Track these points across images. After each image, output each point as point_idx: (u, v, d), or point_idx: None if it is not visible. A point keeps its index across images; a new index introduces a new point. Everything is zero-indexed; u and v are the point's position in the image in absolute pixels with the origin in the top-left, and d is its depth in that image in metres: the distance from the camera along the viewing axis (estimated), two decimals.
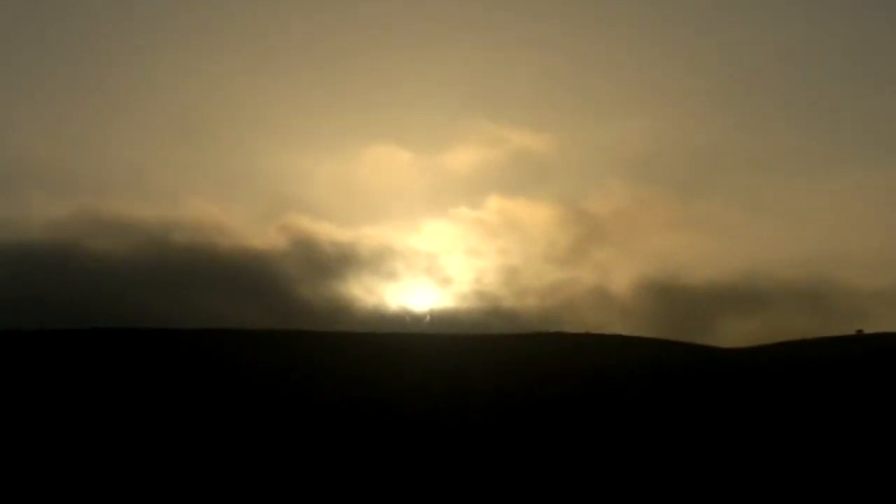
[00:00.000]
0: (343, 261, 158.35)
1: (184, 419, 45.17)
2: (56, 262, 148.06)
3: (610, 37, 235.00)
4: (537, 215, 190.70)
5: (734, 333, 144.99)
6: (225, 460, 38.93)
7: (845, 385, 56.38)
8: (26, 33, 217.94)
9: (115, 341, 66.72)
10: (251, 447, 40.92)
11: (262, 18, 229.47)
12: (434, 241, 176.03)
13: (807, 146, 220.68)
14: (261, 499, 34.98)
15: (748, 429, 45.65)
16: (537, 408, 49.85)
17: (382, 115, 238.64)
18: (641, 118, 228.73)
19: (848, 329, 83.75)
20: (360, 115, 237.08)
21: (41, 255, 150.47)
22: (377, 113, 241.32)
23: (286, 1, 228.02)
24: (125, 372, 55.82)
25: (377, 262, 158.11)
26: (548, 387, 55.76)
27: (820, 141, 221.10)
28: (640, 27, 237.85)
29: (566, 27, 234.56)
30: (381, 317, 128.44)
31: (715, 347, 76.96)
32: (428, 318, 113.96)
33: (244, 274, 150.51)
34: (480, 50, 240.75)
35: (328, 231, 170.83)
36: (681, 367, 64.03)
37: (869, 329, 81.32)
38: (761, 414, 48.93)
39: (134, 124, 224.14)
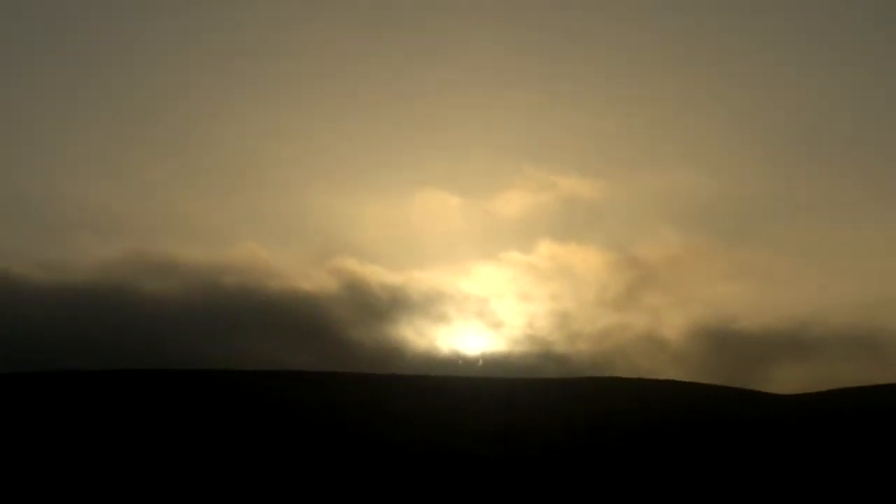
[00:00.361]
0: (393, 304, 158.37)
1: (236, 460, 45.19)
2: (107, 304, 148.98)
3: (660, 84, 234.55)
4: (588, 261, 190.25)
5: (788, 380, 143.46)
6: (279, 501, 38.88)
7: None
8: (76, 78, 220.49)
9: (166, 383, 67.02)
10: (306, 488, 40.85)
11: (313, 63, 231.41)
12: (484, 285, 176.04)
13: (860, 192, 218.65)
14: None
15: (805, 475, 45.16)
16: (592, 451, 49.55)
17: (431, 160, 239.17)
18: (691, 165, 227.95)
19: None
20: (408, 160, 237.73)
21: (93, 296, 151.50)
22: (425, 158, 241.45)
23: (337, 46, 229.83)
24: (177, 413, 55.97)
25: (428, 305, 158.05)
26: (603, 431, 55.48)
27: (872, 186, 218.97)
28: (689, 74, 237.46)
29: (616, 74, 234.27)
30: (433, 360, 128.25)
31: (770, 394, 76.20)
32: (481, 361, 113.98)
33: (294, 316, 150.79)
34: (529, 95, 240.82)
35: (378, 274, 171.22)
36: (736, 414, 63.46)
37: None
38: (819, 461, 48.37)
39: (184, 167, 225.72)
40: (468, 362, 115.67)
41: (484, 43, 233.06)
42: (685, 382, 77.21)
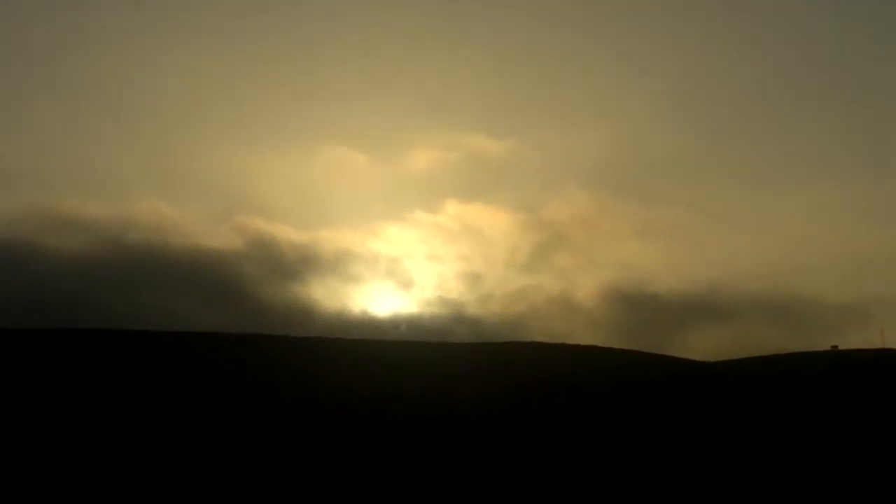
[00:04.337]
0: (302, 263, 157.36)
1: (155, 422, 43.75)
2: (5, 260, 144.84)
3: (567, 43, 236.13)
4: (496, 221, 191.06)
5: (702, 344, 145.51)
6: (202, 463, 37.66)
7: (821, 401, 56.27)
8: None
9: (76, 342, 64.76)
10: (237, 451, 39.61)
11: (217, 18, 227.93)
12: (393, 245, 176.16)
13: (772, 157, 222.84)
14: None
15: (726, 442, 45.43)
16: (517, 416, 49.27)
17: (335, 117, 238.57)
18: (600, 124, 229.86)
19: (818, 343, 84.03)
20: (312, 116, 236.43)
21: None
22: (329, 114, 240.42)
23: (240, 4, 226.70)
24: (95, 374, 54.10)
25: (337, 264, 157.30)
26: (526, 396, 55.27)
27: (786, 152, 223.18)
28: (599, 32, 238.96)
29: (523, 34, 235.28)
30: (345, 320, 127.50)
31: (692, 360, 76.62)
32: (403, 327, 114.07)
33: (201, 274, 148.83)
34: (435, 55, 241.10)
35: (285, 232, 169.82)
36: (659, 380, 63.70)
37: (843, 345, 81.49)
38: (741, 428, 48.76)
39: (85, 119, 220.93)
40: (389, 324, 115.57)
41: (392, 2, 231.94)
42: (607, 348, 77.21)
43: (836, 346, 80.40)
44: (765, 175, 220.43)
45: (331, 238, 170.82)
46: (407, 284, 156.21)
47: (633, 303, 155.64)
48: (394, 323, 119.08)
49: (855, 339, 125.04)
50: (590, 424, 48.70)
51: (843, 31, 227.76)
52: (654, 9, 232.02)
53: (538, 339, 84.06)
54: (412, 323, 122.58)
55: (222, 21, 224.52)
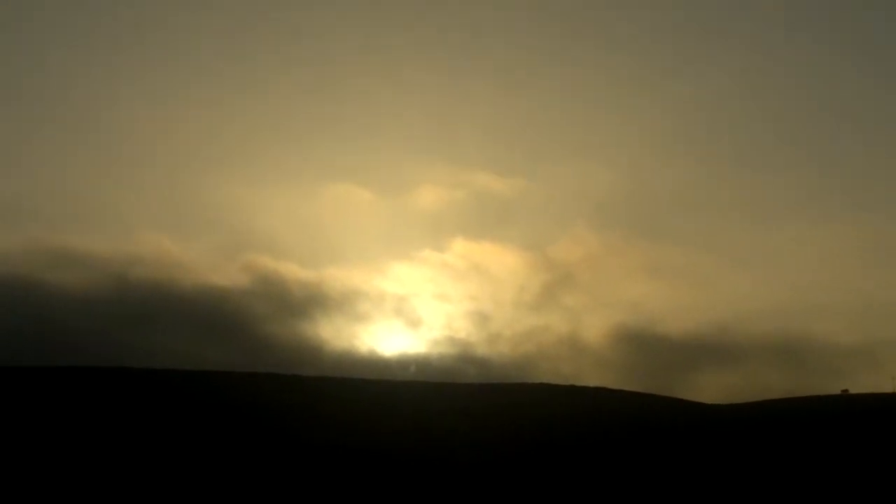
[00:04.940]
0: (309, 301, 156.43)
1: (160, 461, 43.22)
2: (7, 297, 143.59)
3: (575, 80, 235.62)
4: (503, 260, 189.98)
5: (711, 387, 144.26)
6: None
7: (834, 446, 55.71)
8: None
9: (74, 380, 64.22)
10: (241, 490, 39.06)
11: (223, 55, 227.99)
12: (400, 283, 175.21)
13: (782, 196, 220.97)
14: None
15: (735, 487, 44.90)
16: (525, 457, 48.73)
17: (340, 154, 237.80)
18: (608, 163, 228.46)
19: (828, 386, 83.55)
20: (317, 153, 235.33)
21: None
22: (335, 151, 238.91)
23: (246, 38, 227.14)
24: (85, 413, 53.53)
25: (344, 303, 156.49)
26: (535, 438, 54.95)
27: (797, 191, 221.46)
28: (607, 70, 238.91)
29: (530, 72, 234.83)
30: (353, 359, 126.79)
31: (700, 403, 76.03)
32: (413, 367, 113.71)
33: (207, 312, 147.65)
34: (441, 91, 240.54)
35: (291, 270, 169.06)
36: (668, 423, 63.17)
37: (854, 388, 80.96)
38: (752, 472, 48.16)
39: (88, 155, 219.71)
40: (400, 365, 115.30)
41: (397, 37, 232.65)
42: (618, 390, 76.71)
43: (846, 390, 79.74)
44: (775, 215, 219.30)
45: (338, 276, 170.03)
46: (415, 323, 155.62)
47: (641, 344, 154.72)
48: (402, 362, 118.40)
49: (866, 383, 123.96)
50: (597, 467, 48.25)
51: (857, 66, 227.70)
52: (662, 45, 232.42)
53: (547, 379, 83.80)
54: (420, 362, 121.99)
55: (227, 58, 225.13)
